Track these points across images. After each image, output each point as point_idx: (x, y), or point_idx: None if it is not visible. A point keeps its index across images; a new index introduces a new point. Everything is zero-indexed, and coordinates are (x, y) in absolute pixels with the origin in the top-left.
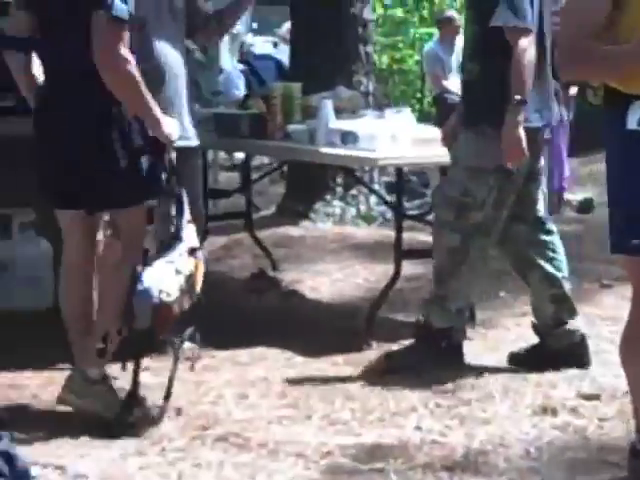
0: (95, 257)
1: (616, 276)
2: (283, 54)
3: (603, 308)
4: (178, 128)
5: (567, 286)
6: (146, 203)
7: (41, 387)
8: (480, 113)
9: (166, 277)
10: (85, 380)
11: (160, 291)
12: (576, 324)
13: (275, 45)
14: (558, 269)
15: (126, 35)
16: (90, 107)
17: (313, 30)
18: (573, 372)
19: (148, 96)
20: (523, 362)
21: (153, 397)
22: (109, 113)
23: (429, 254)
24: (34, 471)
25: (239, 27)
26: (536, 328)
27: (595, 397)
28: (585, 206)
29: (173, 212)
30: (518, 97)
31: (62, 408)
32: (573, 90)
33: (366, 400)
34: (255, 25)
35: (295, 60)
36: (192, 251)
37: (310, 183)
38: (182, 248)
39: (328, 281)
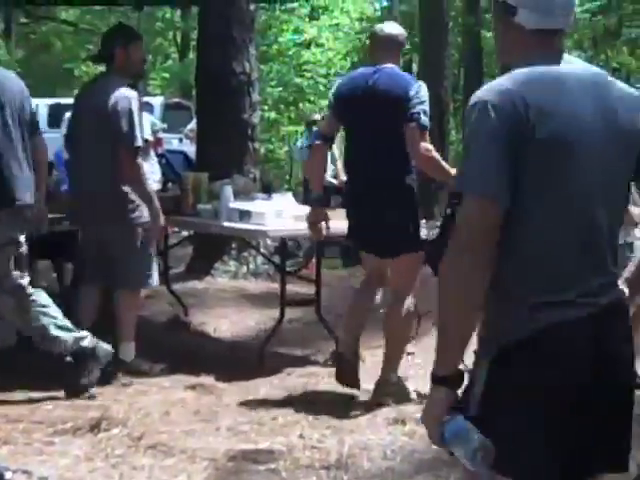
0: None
1: None
2: (187, 147)
3: None
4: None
5: None
6: None
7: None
8: None
9: None
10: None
11: None
12: None
13: (180, 141)
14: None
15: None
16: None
17: (214, 130)
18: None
19: (445, 165)
20: None
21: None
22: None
23: (306, 303)
24: (7, 475)
25: (158, 127)
26: None
27: None
28: None
29: None
30: None
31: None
32: None
33: (261, 415)
34: (165, 126)
35: (200, 153)
36: None
37: (212, 247)
38: None
39: (227, 323)
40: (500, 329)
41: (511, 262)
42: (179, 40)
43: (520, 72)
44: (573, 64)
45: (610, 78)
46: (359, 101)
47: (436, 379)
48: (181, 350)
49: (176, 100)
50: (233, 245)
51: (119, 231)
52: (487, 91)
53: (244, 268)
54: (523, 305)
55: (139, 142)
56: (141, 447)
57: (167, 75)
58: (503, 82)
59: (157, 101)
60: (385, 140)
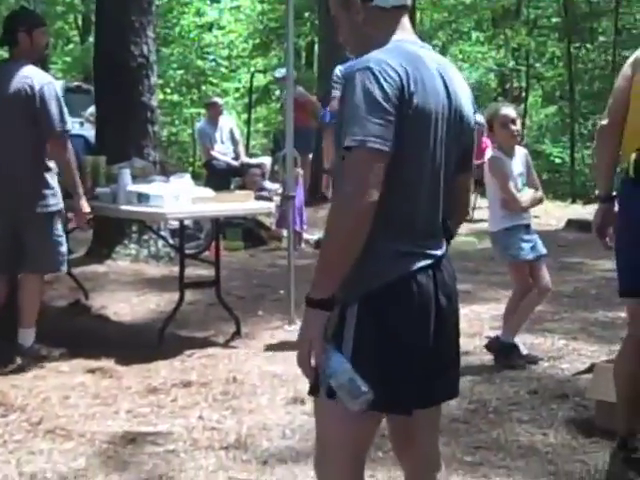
0: None
1: None
2: (87, 131)
3: None
4: None
5: None
6: None
7: None
8: None
9: None
10: None
11: None
12: None
13: (81, 124)
14: None
15: None
16: None
17: (113, 114)
18: None
19: None
20: None
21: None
22: None
23: (205, 285)
24: None
25: None
26: None
27: None
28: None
29: None
30: None
31: None
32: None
33: (160, 398)
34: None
35: (99, 137)
36: None
37: (112, 231)
38: None
39: (128, 306)
40: (367, 274)
41: (378, 212)
42: (80, 23)
43: (390, 48)
44: (425, 45)
45: (453, 65)
46: None
47: (313, 302)
48: (81, 334)
49: (77, 84)
50: (134, 228)
51: (36, 217)
52: (369, 61)
53: (145, 251)
54: (388, 252)
55: (68, 126)
56: (40, 432)
57: (69, 59)
58: (381, 55)
59: (57, 85)
60: None
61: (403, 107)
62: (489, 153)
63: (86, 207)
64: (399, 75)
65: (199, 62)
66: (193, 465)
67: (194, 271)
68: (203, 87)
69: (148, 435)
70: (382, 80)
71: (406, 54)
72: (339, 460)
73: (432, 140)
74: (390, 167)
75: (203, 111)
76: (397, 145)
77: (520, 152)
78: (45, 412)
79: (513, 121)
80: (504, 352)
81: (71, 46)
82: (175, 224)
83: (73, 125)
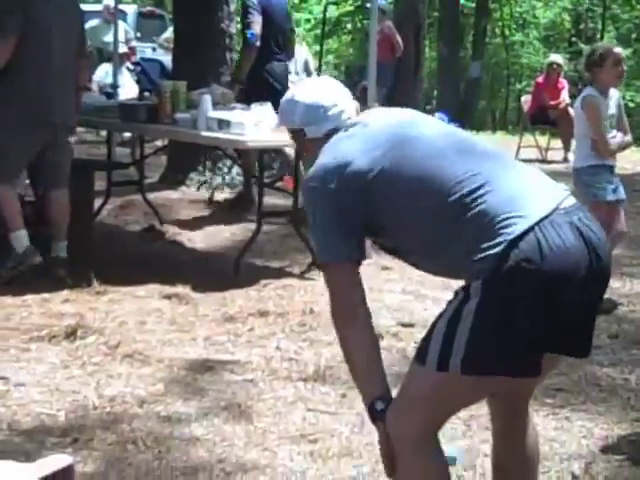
0: None
1: None
2: (162, 57)
3: None
4: None
5: None
6: None
7: None
8: None
9: None
10: None
11: None
12: None
13: (154, 50)
14: None
15: None
16: None
17: (191, 39)
18: (394, 306)
19: None
20: None
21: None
22: None
23: (283, 214)
24: None
25: (131, 36)
26: None
27: (411, 325)
28: None
29: None
30: None
31: None
32: None
33: (237, 326)
34: (139, 34)
35: (177, 62)
36: None
37: (186, 157)
38: None
39: (202, 233)
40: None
41: (465, 235)
42: None
43: (325, 150)
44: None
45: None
46: None
47: (367, 409)
48: (156, 259)
49: (149, 9)
50: (208, 156)
51: (71, 134)
52: (311, 178)
53: (219, 179)
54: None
55: None
56: (118, 355)
57: None
58: (320, 166)
59: (130, 9)
60: None
61: (367, 191)
62: (565, 94)
63: None
64: (328, 182)
65: None
66: (272, 395)
67: (268, 200)
68: None
69: (226, 363)
70: (320, 195)
71: (350, 136)
72: (422, 421)
73: (433, 166)
74: (413, 224)
75: None
76: (399, 201)
77: (615, 94)
78: (122, 336)
79: (624, 61)
80: None
81: None
82: None
83: (144, 50)
